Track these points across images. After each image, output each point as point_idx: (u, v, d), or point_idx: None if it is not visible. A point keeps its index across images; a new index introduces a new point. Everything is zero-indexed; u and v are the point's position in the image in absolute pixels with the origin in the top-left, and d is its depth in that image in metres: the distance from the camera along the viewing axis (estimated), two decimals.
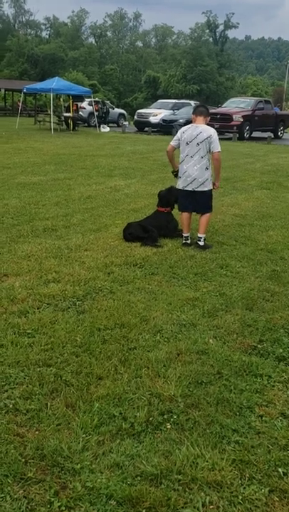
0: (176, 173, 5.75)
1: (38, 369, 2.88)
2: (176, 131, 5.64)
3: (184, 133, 5.35)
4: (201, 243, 5.46)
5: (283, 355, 3.19)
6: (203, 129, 5.32)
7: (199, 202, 5.48)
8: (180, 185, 5.49)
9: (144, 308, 3.77)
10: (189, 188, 5.40)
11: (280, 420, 2.54)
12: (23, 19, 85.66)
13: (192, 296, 4.08)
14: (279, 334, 3.48)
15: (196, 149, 5.29)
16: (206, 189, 5.43)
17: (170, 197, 5.82)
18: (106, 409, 2.55)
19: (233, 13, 71.78)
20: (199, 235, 5.50)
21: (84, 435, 2.35)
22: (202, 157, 5.31)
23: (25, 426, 2.40)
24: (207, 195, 5.49)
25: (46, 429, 2.37)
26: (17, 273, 4.39)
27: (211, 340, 3.33)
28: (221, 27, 70.15)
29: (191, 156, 5.32)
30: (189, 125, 5.46)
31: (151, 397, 2.66)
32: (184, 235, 5.62)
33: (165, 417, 2.52)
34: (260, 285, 4.45)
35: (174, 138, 5.51)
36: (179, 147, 5.48)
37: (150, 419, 2.49)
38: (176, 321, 3.59)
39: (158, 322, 3.55)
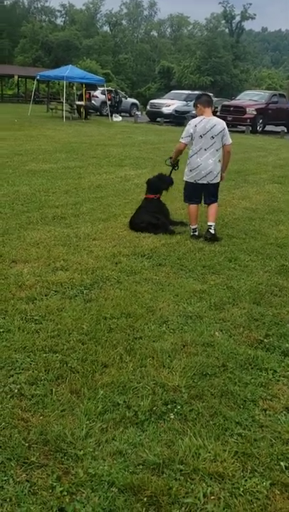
0: (175, 165, 5.75)
1: (44, 355, 2.90)
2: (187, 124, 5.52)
3: (196, 126, 5.24)
4: (213, 231, 5.44)
5: None
6: (216, 122, 5.27)
7: (210, 193, 5.49)
8: (192, 178, 5.40)
9: (150, 298, 3.77)
10: (204, 181, 5.36)
11: (284, 414, 2.53)
12: (39, 5, 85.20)
13: (199, 289, 4.07)
14: (286, 329, 3.47)
15: (211, 142, 5.23)
16: (218, 181, 5.46)
17: (160, 184, 5.82)
18: (110, 396, 2.56)
19: (251, 4, 70.92)
20: (211, 223, 5.47)
21: (88, 422, 2.36)
22: (217, 150, 5.29)
23: (29, 411, 2.42)
24: (217, 186, 5.54)
25: (50, 414, 2.39)
26: (26, 260, 4.40)
27: (217, 333, 3.32)
28: (238, 18, 69.24)
29: (205, 149, 5.26)
30: (199, 118, 5.29)
31: (155, 387, 2.67)
32: (192, 227, 5.59)
33: (169, 407, 2.52)
34: (269, 279, 4.42)
35: (185, 134, 5.31)
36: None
37: (154, 408, 2.50)
38: (182, 313, 3.59)
39: (164, 313, 3.55)
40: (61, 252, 4.66)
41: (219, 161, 5.37)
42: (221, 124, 5.28)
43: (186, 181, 5.51)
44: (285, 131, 23.04)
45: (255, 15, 69.27)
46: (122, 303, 3.63)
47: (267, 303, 3.92)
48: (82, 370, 2.76)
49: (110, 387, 2.63)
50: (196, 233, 5.57)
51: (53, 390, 2.58)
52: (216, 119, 5.32)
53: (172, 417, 2.45)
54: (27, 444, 2.19)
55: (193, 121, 5.33)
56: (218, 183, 5.53)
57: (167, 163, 5.97)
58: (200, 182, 5.38)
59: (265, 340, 3.30)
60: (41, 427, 2.30)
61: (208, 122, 5.24)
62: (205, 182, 5.38)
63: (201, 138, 5.24)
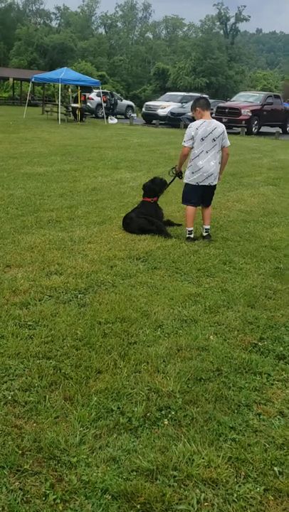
0: (180, 174, 5.82)
1: (38, 361, 2.89)
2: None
3: (198, 129, 5.28)
4: (207, 233, 5.70)
5: (283, 353, 3.18)
6: (217, 125, 5.38)
7: (209, 195, 5.65)
8: (194, 180, 5.45)
9: (145, 302, 3.77)
10: (206, 183, 5.44)
11: (278, 419, 2.54)
12: (34, 8, 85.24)
13: (194, 292, 4.07)
14: (280, 332, 3.47)
15: (212, 145, 5.31)
16: (217, 182, 5.60)
17: (155, 187, 5.95)
18: (104, 403, 2.55)
19: (245, 6, 71.04)
20: (207, 227, 5.71)
21: (81, 428, 2.35)
22: (217, 152, 5.38)
23: (23, 418, 2.41)
24: (215, 188, 5.69)
25: (44, 421, 2.38)
26: (20, 264, 4.39)
27: (211, 337, 3.32)
28: (232, 20, 69.41)
29: (207, 152, 5.33)
30: (200, 121, 5.34)
31: (149, 393, 2.66)
32: (189, 229, 5.62)
33: (163, 412, 2.52)
34: (263, 282, 4.43)
35: (187, 138, 5.34)
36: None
37: (148, 414, 2.49)
38: (177, 317, 3.59)
39: (159, 317, 3.55)
40: (56, 256, 4.65)
41: (219, 162, 5.47)
42: (221, 126, 5.39)
43: (188, 183, 5.53)
44: (281, 132, 23.10)
45: (249, 17, 69.52)
46: (116, 307, 3.62)
47: (261, 306, 3.92)
48: (75, 376, 2.75)
49: (104, 393, 2.63)
50: (192, 235, 5.60)
51: (47, 396, 2.58)
52: (216, 122, 5.41)
53: (166, 422, 2.44)
54: (20, 452, 2.19)
55: (194, 125, 5.37)
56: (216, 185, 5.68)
57: (171, 174, 5.99)
58: (202, 184, 5.44)
59: (259, 343, 3.30)
60: (35, 434, 2.29)
61: (209, 125, 5.31)
62: (207, 184, 5.46)
63: (203, 141, 5.29)
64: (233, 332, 3.43)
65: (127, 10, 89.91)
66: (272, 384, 2.85)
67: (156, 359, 2.98)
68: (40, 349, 3.01)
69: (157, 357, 3.00)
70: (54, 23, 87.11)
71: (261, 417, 2.55)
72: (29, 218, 5.96)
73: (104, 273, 4.33)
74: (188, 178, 5.48)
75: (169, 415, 2.50)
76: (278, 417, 2.56)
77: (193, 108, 5.50)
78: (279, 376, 2.93)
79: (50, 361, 2.90)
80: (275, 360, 3.10)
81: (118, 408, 2.52)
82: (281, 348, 3.24)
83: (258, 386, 2.81)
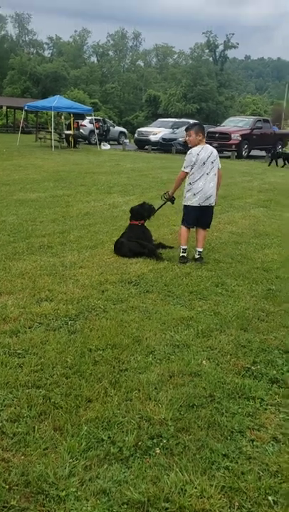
0: (172, 199, 5.99)
1: (27, 390, 2.83)
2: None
3: (199, 154, 5.51)
4: (200, 255, 5.73)
5: (277, 377, 3.15)
6: (212, 149, 5.66)
7: (208, 216, 5.77)
8: (196, 202, 5.58)
9: (137, 328, 3.74)
10: (206, 204, 5.62)
11: (272, 445, 2.49)
12: (27, 39, 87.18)
13: (186, 316, 4.05)
14: (273, 355, 3.44)
15: (211, 167, 5.56)
16: (214, 203, 5.76)
17: (143, 212, 6.06)
18: (94, 432, 2.50)
19: (233, 34, 72.55)
20: (200, 249, 5.75)
21: (71, 460, 2.29)
22: (215, 174, 5.61)
23: (11, 450, 2.34)
24: (213, 208, 5.84)
25: (33, 453, 2.32)
26: (10, 291, 4.36)
27: (204, 362, 3.28)
28: (221, 47, 71.14)
29: (207, 174, 5.55)
30: (198, 147, 5.54)
31: (141, 421, 2.61)
32: (183, 247, 5.70)
33: (154, 441, 2.46)
34: (256, 304, 4.41)
35: (188, 164, 5.55)
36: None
37: (139, 443, 2.44)
38: (169, 342, 3.55)
39: (151, 343, 3.51)
40: (46, 282, 4.62)
41: (215, 184, 5.65)
42: (215, 151, 5.69)
43: (189, 205, 5.64)
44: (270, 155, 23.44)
45: (238, 44, 71.15)
46: (107, 333, 3.58)
47: (254, 329, 3.89)
48: (65, 405, 2.69)
49: (94, 422, 2.57)
50: (186, 254, 5.68)
51: (36, 427, 2.52)
52: (210, 147, 5.68)
53: (158, 451, 2.39)
54: (7, 487, 2.12)
55: (194, 151, 5.55)
56: None
57: (163, 199, 6.07)
58: (204, 205, 5.61)
59: (252, 367, 3.26)
60: (23, 467, 2.23)
61: (206, 150, 5.57)
62: (208, 204, 5.63)
63: (204, 164, 5.52)
64: (226, 356, 3.40)
65: (118, 39, 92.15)
66: (266, 409, 2.81)
67: (147, 386, 2.93)
68: (29, 378, 2.96)
69: (149, 384, 2.95)
70: (47, 53, 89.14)
71: (255, 443, 2.50)
72: (21, 244, 5.95)
73: (95, 298, 4.30)
74: (191, 200, 5.62)
75: (161, 444, 2.44)
76: (272, 442, 2.51)
77: (191, 132, 5.57)
78: (272, 400, 2.89)
79: (40, 390, 2.84)
80: (268, 384, 3.06)
81: (109, 437, 2.47)
82: (274, 372, 3.20)
83: (252, 411, 2.77)
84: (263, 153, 23.54)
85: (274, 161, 20.10)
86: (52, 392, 2.82)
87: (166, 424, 2.59)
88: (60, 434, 2.48)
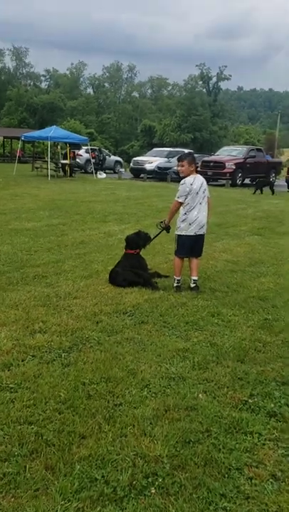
0: (168, 228, 5.97)
1: (19, 427, 2.75)
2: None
3: (192, 184, 5.56)
4: (195, 284, 5.69)
5: (274, 410, 3.08)
6: (202, 179, 5.72)
7: (202, 245, 5.79)
8: (192, 231, 5.59)
9: (132, 360, 3.67)
10: (201, 232, 5.67)
11: (271, 483, 2.41)
12: (24, 71, 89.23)
13: (182, 347, 3.99)
14: (270, 388, 3.38)
15: (203, 196, 5.62)
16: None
17: (138, 240, 6.07)
18: (88, 471, 2.41)
19: (226, 66, 74.48)
20: (195, 278, 5.71)
21: (63, 502, 2.21)
22: (206, 203, 5.69)
23: (0, 492, 2.26)
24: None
25: (23, 495, 2.23)
26: (3, 323, 4.29)
27: (200, 395, 3.22)
28: (214, 79, 73.05)
29: (200, 203, 5.61)
30: (191, 177, 5.59)
31: (135, 458, 2.53)
32: (177, 278, 5.68)
33: (150, 480, 2.38)
34: (252, 335, 4.36)
35: (182, 193, 5.57)
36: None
37: (134, 482, 2.35)
38: (164, 374, 3.48)
39: (146, 375, 3.44)
40: (40, 313, 4.57)
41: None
42: (204, 180, 5.77)
43: (184, 235, 5.62)
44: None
45: (230, 76, 73.18)
46: (101, 366, 3.51)
47: (251, 360, 3.84)
48: (58, 442, 2.61)
49: (88, 460, 2.49)
50: (180, 284, 5.67)
51: (27, 466, 2.43)
52: (201, 177, 5.75)
53: (153, 491, 2.31)
54: None
55: (188, 181, 5.59)
56: None
57: (159, 227, 6.07)
58: (199, 233, 5.65)
59: (249, 400, 3.19)
60: (12, 510, 2.14)
61: (198, 180, 5.64)
62: (202, 233, 5.68)
63: (198, 194, 5.58)
64: (223, 389, 3.33)
65: (113, 71, 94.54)
66: (264, 444, 2.73)
67: (142, 421, 2.85)
68: (21, 413, 2.88)
69: (144, 419, 2.88)
70: (44, 85, 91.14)
71: (253, 481, 2.42)
72: (15, 274, 5.91)
73: (89, 329, 4.24)
74: (186, 229, 5.62)
75: (156, 483, 2.36)
76: (271, 480, 2.43)
77: (184, 163, 5.61)
78: (270, 435, 2.81)
79: (32, 427, 2.76)
80: (266, 418, 2.99)
81: (102, 477, 2.38)
82: (272, 405, 3.13)
83: (249, 447, 2.69)
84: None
85: (258, 189, 20.32)
86: (44, 429, 2.74)
87: (161, 462, 2.51)
88: (52, 473, 2.39)
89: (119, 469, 2.44)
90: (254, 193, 19.94)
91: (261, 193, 20.13)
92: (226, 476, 2.44)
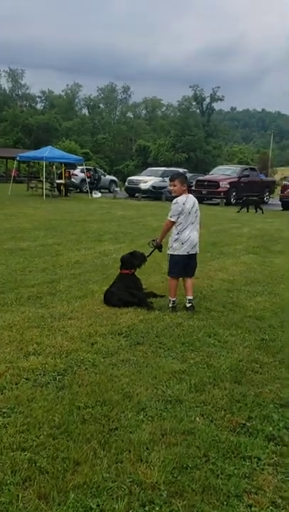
0: (160, 247, 5.99)
1: (12, 454, 2.68)
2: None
3: (185, 204, 5.57)
4: (191, 304, 5.65)
5: (273, 433, 3.02)
6: (194, 199, 5.74)
7: (194, 264, 5.76)
8: (184, 251, 5.58)
9: (127, 382, 3.61)
10: (193, 252, 5.66)
11: (271, 510, 2.34)
12: (20, 92, 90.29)
13: (179, 369, 3.93)
14: (268, 410, 3.32)
15: (195, 216, 5.65)
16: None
17: (133, 260, 6.05)
18: (82, 500, 2.34)
19: (219, 87, 76.01)
20: (190, 297, 5.67)
21: None
22: (198, 223, 5.71)
23: None
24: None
25: None
26: None
27: (197, 419, 3.15)
28: (208, 100, 74.27)
29: (192, 223, 5.62)
30: (183, 197, 5.60)
31: (132, 485, 2.46)
32: (173, 299, 5.65)
33: (146, 508, 2.31)
34: (249, 355, 4.32)
35: (175, 213, 5.57)
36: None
37: (130, 511, 2.28)
38: (161, 397, 3.42)
39: (142, 398, 3.38)
40: (35, 335, 4.50)
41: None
42: (196, 199, 5.78)
43: (177, 255, 5.60)
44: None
45: (223, 96, 74.46)
46: (96, 389, 3.45)
47: (248, 381, 3.78)
48: (52, 469, 2.54)
49: (82, 488, 2.41)
50: (175, 305, 5.63)
51: (20, 495, 2.35)
52: (192, 196, 5.77)
53: None
54: None
55: (180, 200, 5.60)
56: None
57: (151, 246, 6.07)
58: (191, 252, 5.64)
59: (247, 423, 3.13)
60: None
61: (190, 199, 5.66)
62: (194, 252, 5.67)
63: (190, 214, 5.59)
64: (220, 412, 3.27)
65: (108, 92, 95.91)
66: (263, 469, 2.67)
67: (139, 446, 2.78)
68: (14, 439, 2.81)
69: (140, 444, 2.81)
70: (39, 106, 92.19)
71: (253, 508, 2.35)
72: (9, 295, 5.85)
73: (84, 351, 4.18)
74: (179, 249, 5.60)
75: (153, 511, 2.29)
76: (270, 508, 2.36)
77: (176, 182, 5.63)
78: (269, 460, 2.75)
79: (25, 453, 2.68)
80: (264, 442, 2.93)
81: (98, 506, 2.31)
82: (270, 428, 3.07)
83: (248, 472, 2.63)
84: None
85: (244, 208, 20.32)
86: (38, 455, 2.66)
87: (158, 489, 2.44)
88: (45, 502, 2.32)
89: (115, 497, 2.37)
90: (239, 211, 19.88)
91: (247, 211, 20.13)
92: (225, 503, 2.38)
